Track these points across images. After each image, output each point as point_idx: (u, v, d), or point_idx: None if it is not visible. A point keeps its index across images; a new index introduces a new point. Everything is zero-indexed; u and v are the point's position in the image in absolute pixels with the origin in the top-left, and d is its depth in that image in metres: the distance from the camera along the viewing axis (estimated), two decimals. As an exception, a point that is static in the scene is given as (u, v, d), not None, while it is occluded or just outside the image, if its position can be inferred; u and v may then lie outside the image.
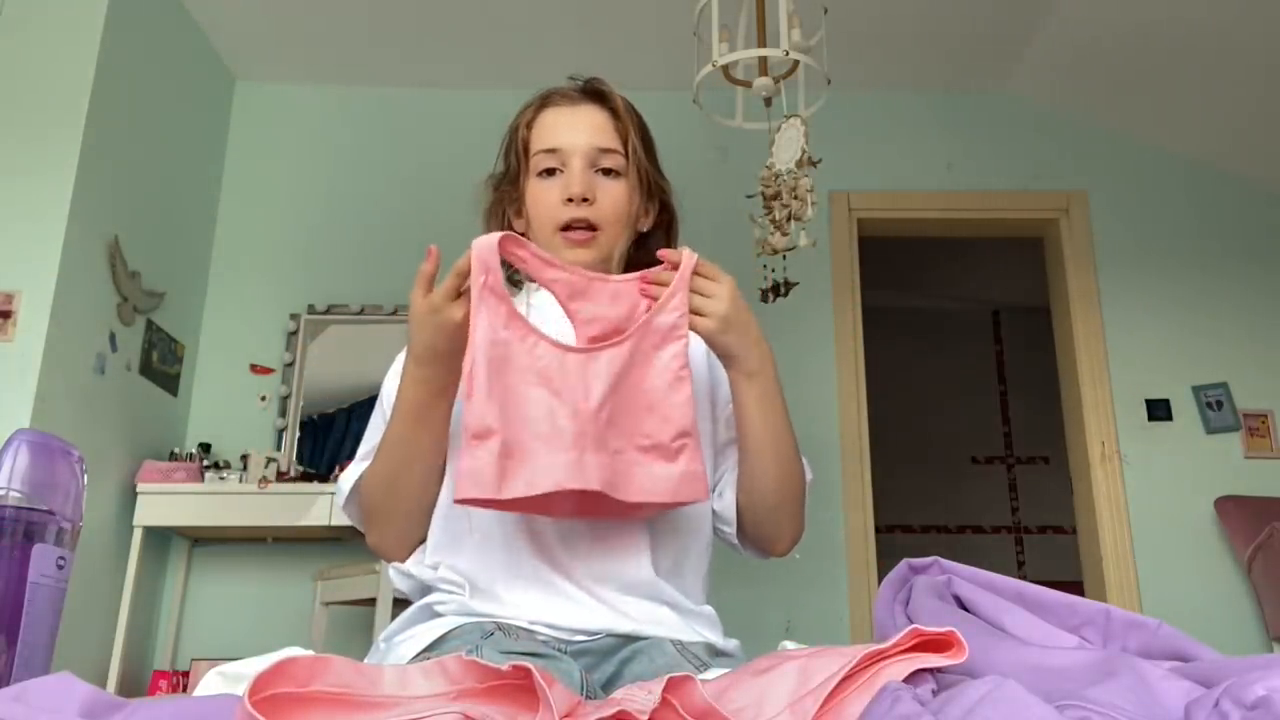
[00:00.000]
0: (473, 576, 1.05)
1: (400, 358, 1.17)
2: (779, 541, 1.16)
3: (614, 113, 1.18)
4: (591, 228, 1.14)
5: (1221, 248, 3.91)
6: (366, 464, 1.14)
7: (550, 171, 1.16)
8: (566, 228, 1.13)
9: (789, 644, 0.78)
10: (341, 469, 3.60)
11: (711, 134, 2.93)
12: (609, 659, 1.00)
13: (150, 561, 3.30)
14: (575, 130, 1.16)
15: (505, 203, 1.22)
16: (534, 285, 1.18)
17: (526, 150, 1.18)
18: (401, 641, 1.04)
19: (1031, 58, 3.82)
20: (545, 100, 1.20)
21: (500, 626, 0.99)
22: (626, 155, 1.17)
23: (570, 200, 1.12)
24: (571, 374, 0.97)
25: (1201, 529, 3.59)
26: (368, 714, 0.53)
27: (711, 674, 0.72)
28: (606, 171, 1.16)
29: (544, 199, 1.15)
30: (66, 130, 2.93)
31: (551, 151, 1.15)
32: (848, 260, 3.87)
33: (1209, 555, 3.56)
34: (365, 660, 1.09)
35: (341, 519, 3.17)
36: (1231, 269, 3.88)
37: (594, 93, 1.20)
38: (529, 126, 1.19)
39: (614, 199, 1.15)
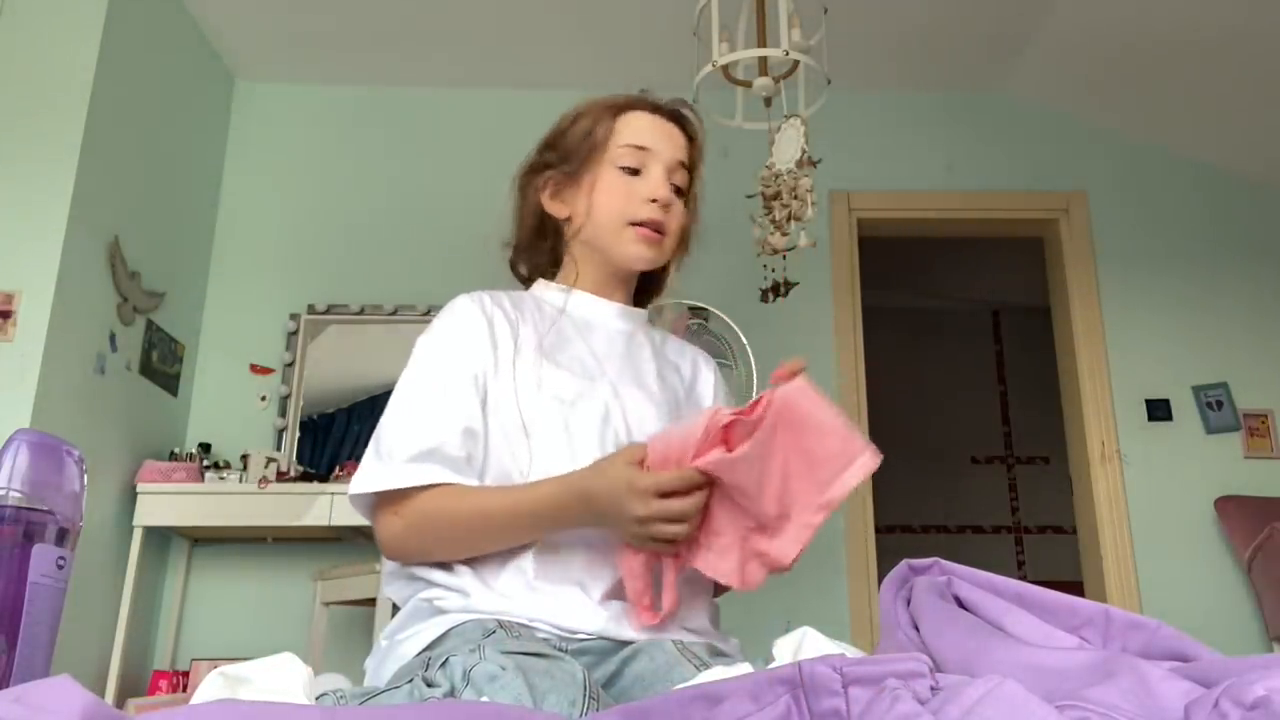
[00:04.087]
0: (477, 576, 1.06)
1: (450, 319, 1.15)
2: None
3: (690, 139, 1.24)
4: (660, 231, 1.18)
5: (1221, 247, 3.92)
6: (431, 467, 1.06)
7: (632, 171, 1.18)
8: (640, 223, 1.17)
9: (781, 641, 0.78)
10: (343, 469, 3.58)
11: (712, 134, 2.93)
12: (609, 658, 1.01)
13: (150, 561, 3.30)
14: (662, 138, 1.20)
15: (552, 185, 1.22)
16: (568, 286, 1.24)
17: (605, 140, 1.19)
18: (404, 639, 1.04)
19: (1031, 58, 3.82)
20: (633, 102, 1.23)
21: (502, 624, 0.99)
22: (692, 179, 1.23)
23: (654, 201, 1.17)
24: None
25: (1201, 529, 3.59)
26: None
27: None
28: (675, 189, 1.20)
29: (624, 191, 1.18)
30: (66, 130, 2.93)
31: (640, 149, 1.18)
32: (848, 260, 3.87)
33: (1209, 555, 3.56)
34: (369, 659, 1.10)
35: (340, 519, 3.18)
36: (1231, 269, 3.88)
37: (677, 113, 1.25)
38: (613, 119, 1.21)
39: (679, 215, 1.21)
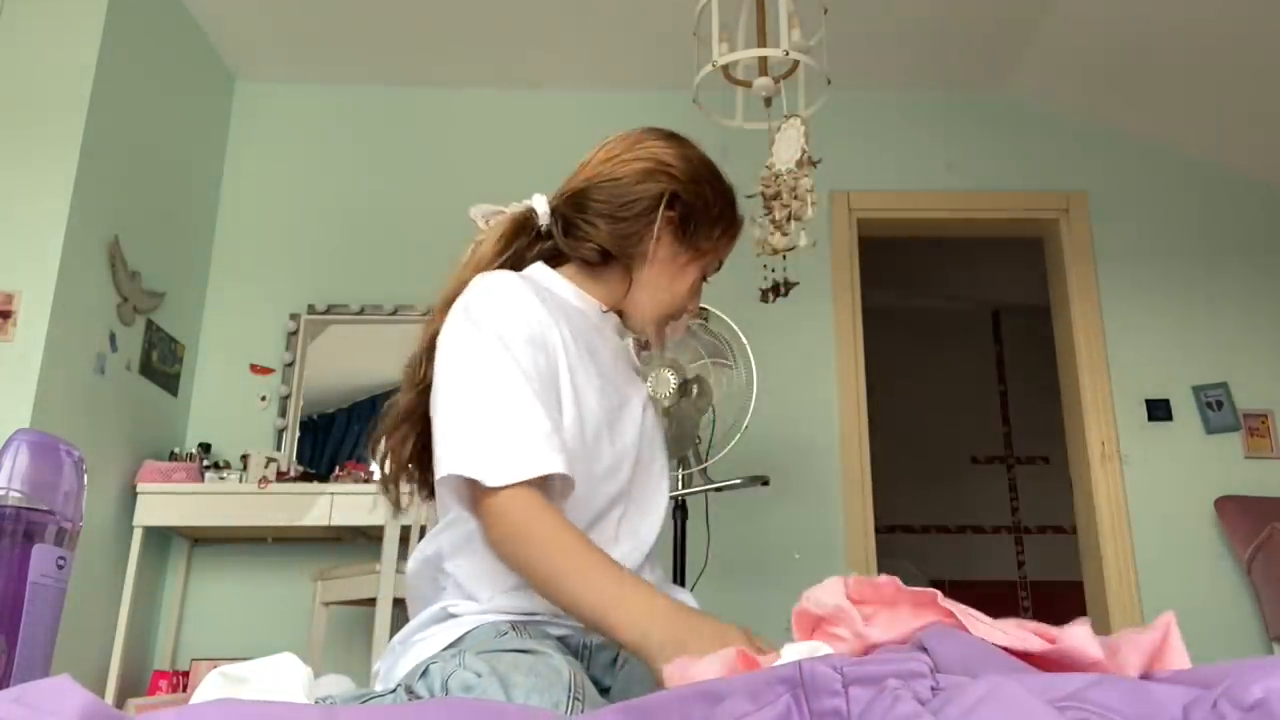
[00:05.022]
0: (491, 579, 1.06)
1: (510, 299, 1.08)
2: None
3: None
4: None
5: (1221, 247, 3.91)
6: (551, 454, 0.98)
7: (704, 275, 1.25)
8: (673, 321, 1.25)
9: (790, 647, 0.78)
10: (343, 469, 3.58)
11: (711, 134, 2.93)
12: (623, 651, 1.02)
13: (150, 561, 3.30)
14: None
15: (663, 224, 1.19)
16: (599, 303, 1.23)
17: (716, 247, 1.25)
18: (419, 641, 1.04)
19: (1031, 58, 3.82)
20: (740, 221, 1.29)
21: (514, 625, 0.99)
22: None
23: (691, 310, 1.26)
24: None
25: (1201, 529, 3.59)
26: None
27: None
28: None
29: (687, 290, 1.23)
30: (66, 130, 2.93)
31: (718, 268, 1.28)
32: (848, 260, 3.87)
33: (1209, 555, 3.56)
34: (380, 661, 1.10)
35: (340, 519, 3.18)
36: (1231, 269, 3.88)
37: None
38: (733, 234, 1.27)
39: None
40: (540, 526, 0.95)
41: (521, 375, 1.01)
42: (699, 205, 1.20)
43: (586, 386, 1.10)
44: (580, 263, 1.20)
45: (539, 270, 1.20)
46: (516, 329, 1.05)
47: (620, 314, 1.24)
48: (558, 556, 0.94)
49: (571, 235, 1.19)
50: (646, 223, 1.17)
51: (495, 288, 1.09)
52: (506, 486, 0.95)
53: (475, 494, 0.98)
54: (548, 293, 1.16)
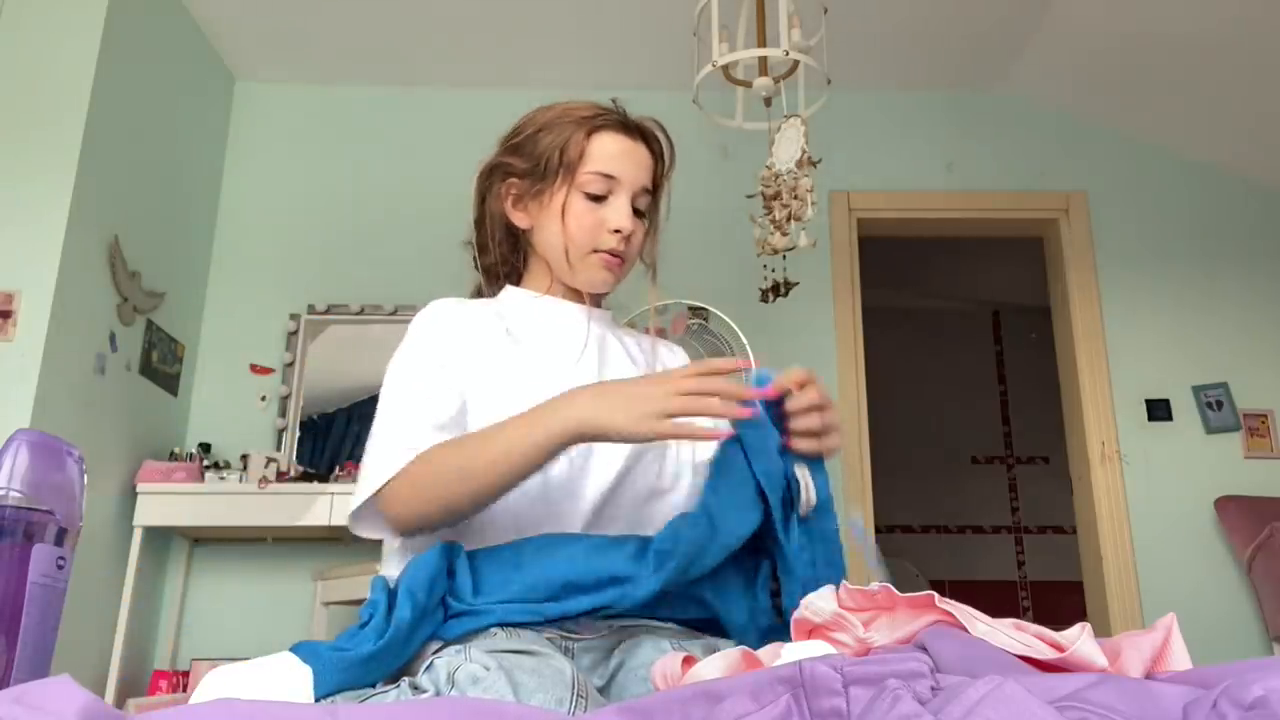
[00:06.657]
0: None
1: (426, 325, 1.17)
2: None
3: (657, 156, 1.25)
4: (620, 258, 1.21)
5: (1221, 248, 3.92)
6: (439, 436, 1.09)
7: (596, 196, 1.19)
8: (601, 251, 1.20)
9: (791, 646, 0.78)
10: (343, 469, 3.58)
11: (711, 134, 2.93)
12: (612, 653, 1.01)
13: (150, 561, 3.30)
14: (630, 165, 1.20)
15: (514, 192, 1.23)
16: (539, 293, 1.25)
17: (575, 162, 1.19)
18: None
19: (1031, 58, 3.82)
20: (605, 122, 1.22)
21: (503, 625, 0.99)
22: (655, 200, 1.25)
23: (616, 231, 1.18)
24: None
25: (1201, 529, 3.59)
26: None
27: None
28: (637, 211, 1.21)
29: (590, 221, 1.19)
30: (66, 130, 2.93)
31: (607, 177, 1.19)
32: (848, 260, 3.87)
33: (1209, 555, 3.57)
34: None
35: (340, 519, 3.18)
36: (1231, 269, 3.88)
37: (648, 133, 1.25)
38: (585, 139, 1.20)
39: (639, 238, 1.23)
40: (404, 489, 1.10)
41: (398, 407, 1.13)
42: (518, 148, 1.23)
43: (508, 386, 1.14)
44: (517, 271, 1.28)
45: (505, 293, 1.27)
46: (422, 359, 1.14)
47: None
48: (453, 476, 1.04)
49: (482, 264, 1.30)
50: (493, 203, 1.25)
51: (416, 320, 1.19)
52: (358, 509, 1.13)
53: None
54: (495, 306, 1.24)
